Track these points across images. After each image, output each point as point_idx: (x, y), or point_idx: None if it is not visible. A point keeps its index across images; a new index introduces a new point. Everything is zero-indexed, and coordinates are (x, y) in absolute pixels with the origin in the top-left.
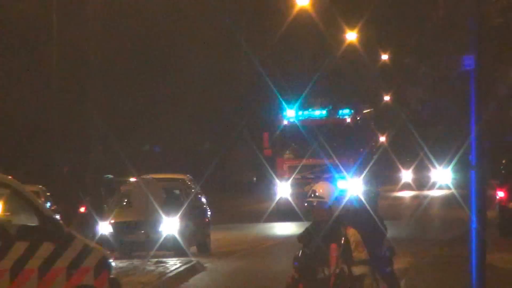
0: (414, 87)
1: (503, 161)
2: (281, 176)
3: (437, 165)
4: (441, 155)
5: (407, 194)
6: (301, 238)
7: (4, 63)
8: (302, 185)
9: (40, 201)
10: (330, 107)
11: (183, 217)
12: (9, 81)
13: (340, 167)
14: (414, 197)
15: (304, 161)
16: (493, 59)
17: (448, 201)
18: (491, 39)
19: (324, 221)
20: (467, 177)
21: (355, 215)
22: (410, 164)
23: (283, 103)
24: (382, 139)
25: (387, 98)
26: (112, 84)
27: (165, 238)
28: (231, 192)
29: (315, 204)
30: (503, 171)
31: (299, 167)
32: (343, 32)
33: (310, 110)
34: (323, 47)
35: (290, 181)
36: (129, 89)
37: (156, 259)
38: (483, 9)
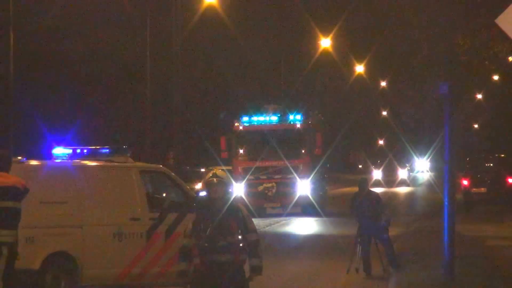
0: (405, 105)
1: (467, 159)
2: (236, 177)
3: (419, 158)
4: (423, 152)
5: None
6: (200, 205)
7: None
8: (256, 186)
9: (185, 184)
10: (281, 113)
11: None
12: (117, 97)
13: (291, 169)
14: (385, 193)
15: (257, 164)
16: (461, 86)
17: (416, 191)
18: (460, 71)
19: (219, 198)
20: (441, 169)
21: (363, 195)
22: (381, 164)
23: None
24: (381, 142)
25: (384, 113)
26: (189, 101)
27: None
28: None
29: (215, 181)
30: (467, 166)
31: (252, 169)
32: (353, 65)
33: (263, 115)
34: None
35: (244, 181)
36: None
37: None
38: (454, 50)
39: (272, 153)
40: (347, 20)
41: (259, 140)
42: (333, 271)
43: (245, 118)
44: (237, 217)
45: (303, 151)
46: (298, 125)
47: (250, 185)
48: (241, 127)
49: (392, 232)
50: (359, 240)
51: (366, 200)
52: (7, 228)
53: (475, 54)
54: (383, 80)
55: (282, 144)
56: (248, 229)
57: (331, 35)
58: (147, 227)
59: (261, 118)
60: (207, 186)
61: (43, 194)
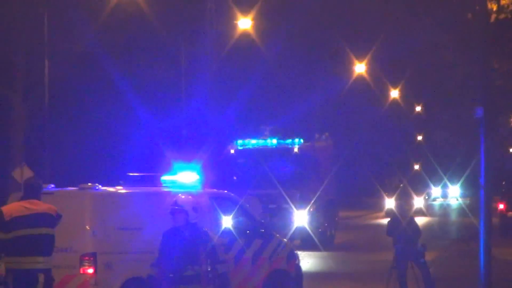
0: (440, 129)
1: (503, 183)
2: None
3: (450, 185)
4: (456, 178)
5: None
6: (169, 235)
7: None
8: None
9: (253, 211)
10: (279, 136)
11: None
12: None
13: (287, 197)
14: None
15: (251, 191)
16: (496, 110)
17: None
18: (495, 95)
19: (183, 226)
20: (474, 195)
21: (400, 222)
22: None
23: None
24: (416, 167)
25: (419, 137)
26: None
27: None
28: None
29: (176, 209)
30: (503, 190)
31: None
32: (388, 89)
33: (258, 138)
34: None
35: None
36: None
37: None
38: (488, 74)
39: (267, 180)
40: (381, 46)
41: (253, 165)
42: None
43: (239, 141)
44: (206, 246)
45: (302, 177)
46: (297, 149)
47: None
48: (233, 151)
49: (427, 256)
50: (394, 265)
51: (403, 226)
52: (42, 255)
53: (510, 77)
54: (418, 104)
55: (279, 170)
56: (218, 259)
57: (365, 61)
58: None
59: (256, 141)
60: (171, 214)
61: (120, 221)
